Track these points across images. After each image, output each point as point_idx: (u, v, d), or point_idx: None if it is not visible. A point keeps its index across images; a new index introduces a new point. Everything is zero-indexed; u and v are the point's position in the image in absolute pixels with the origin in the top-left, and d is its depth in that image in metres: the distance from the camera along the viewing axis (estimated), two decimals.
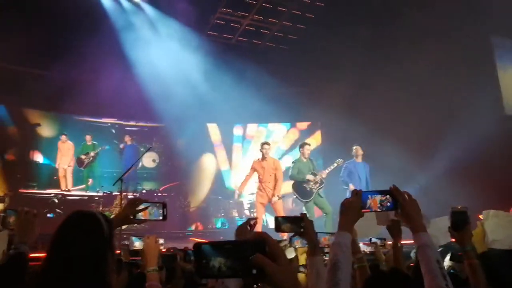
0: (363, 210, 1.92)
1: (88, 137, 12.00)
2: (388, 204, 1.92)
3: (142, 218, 2.30)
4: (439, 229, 3.42)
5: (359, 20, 10.55)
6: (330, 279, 1.73)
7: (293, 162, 9.05)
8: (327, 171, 8.86)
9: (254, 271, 0.98)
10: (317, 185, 8.66)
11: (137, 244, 4.07)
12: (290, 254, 4.31)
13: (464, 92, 9.97)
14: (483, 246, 2.71)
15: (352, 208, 1.90)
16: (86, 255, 1.61)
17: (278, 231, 2.44)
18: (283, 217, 2.44)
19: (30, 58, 10.11)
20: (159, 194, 12.12)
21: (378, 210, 1.92)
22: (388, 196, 1.92)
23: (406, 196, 1.91)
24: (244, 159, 12.84)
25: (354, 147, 9.28)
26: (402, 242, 2.95)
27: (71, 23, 9.81)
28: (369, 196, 1.94)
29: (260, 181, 8.67)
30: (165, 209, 2.33)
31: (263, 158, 8.72)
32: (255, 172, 8.81)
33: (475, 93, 10.03)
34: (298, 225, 2.30)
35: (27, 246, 2.07)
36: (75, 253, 1.60)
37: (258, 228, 8.10)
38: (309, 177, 8.63)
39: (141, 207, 2.28)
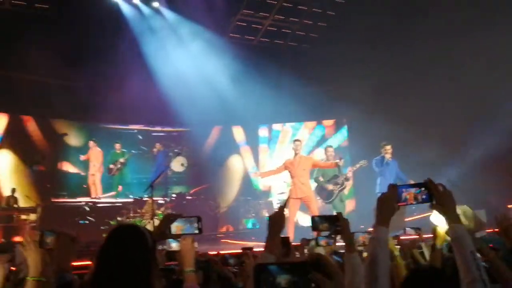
0: (399, 204, 1.93)
1: (117, 146, 12.10)
2: (424, 196, 1.93)
3: (178, 232, 2.31)
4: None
5: (382, 14, 10.41)
6: (368, 274, 1.74)
7: None
8: (349, 173, 8.99)
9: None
10: (338, 186, 8.79)
11: (174, 245, 4.10)
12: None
13: (495, 86, 9.79)
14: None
15: (389, 202, 1.91)
16: (134, 266, 1.68)
17: (315, 230, 2.50)
18: (319, 216, 2.49)
19: (55, 70, 10.23)
20: (189, 197, 12.15)
21: (414, 203, 1.94)
22: (423, 189, 1.93)
23: (441, 188, 1.92)
24: (271, 159, 12.85)
25: (384, 146, 8.89)
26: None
27: (93, 33, 9.97)
28: (404, 189, 1.95)
29: (292, 177, 8.64)
30: (200, 222, 2.32)
31: (295, 154, 8.71)
32: (286, 170, 8.79)
33: (506, 87, 9.86)
34: (334, 223, 2.37)
35: (71, 274, 2.11)
36: (123, 264, 1.67)
37: (290, 226, 8.09)
38: (329, 186, 8.80)
39: (176, 224, 2.31)
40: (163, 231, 2.29)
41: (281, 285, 1.11)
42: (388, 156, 8.64)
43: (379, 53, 10.78)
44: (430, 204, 1.93)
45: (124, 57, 10.06)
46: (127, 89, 10.30)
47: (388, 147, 8.73)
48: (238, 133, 13.13)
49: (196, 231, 2.31)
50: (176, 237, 2.37)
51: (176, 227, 2.30)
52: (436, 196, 1.91)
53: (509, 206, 9.38)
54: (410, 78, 10.66)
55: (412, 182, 2.37)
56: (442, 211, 1.90)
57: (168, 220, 2.31)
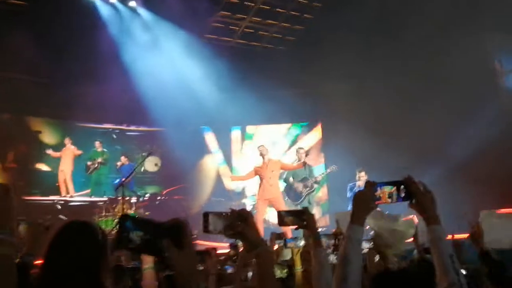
0: (376, 202, 1.86)
1: (97, 144, 11.95)
2: (403, 194, 1.86)
3: None
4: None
5: (358, 18, 10.54)
6: (339, 273, 1.72)
7: None
8: (319, 177, 9.07)
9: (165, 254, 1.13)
10: (307, 189, 8.85)
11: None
12: (286, 255, 4.37)
13: (467, 93, 9.98)
14: (482, 245, 2.73)
15: (365, 200, 1.85)
16: (81, 262, 1.64)
17: (281, 224, 2.47)
18: (285, 211, 2.50)
19: (30, 66, 10.15)
20: (162, 197, 12.10)
21: (389, 201, 1.85)
22: (402, 187, 1.86)
23: (421, 187, 1.85)
24: (243, 160, 12.86)
25: (359, 173, 9.06)
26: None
27: (70, 30, 9.86)
28: (381, 187, 1.88)
29: (261, 179, 8.72)
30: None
31: (262, 159, 8.80)
32: (256, 176, 8.88)
33: (478, 94, 10.07)
34: (300, 218, 2.35)
35: (33, 258, 2.06)
36: (70, 260, 1.63)
37: (260, 224, 8.17)
38: (298, 186, 8.85)
39: None
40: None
41: (133, 240, 1.14)
42: (360, 183, 8.68)
43: (355, 57, 10.90)
44: (409, 203, 1.85)
45: (100, 55, 9.98)
46: (102, 88, 10.30)
47: (363, 174, 8.82)
48: (212, 134, 13.12)
49: None
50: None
51: None
52: (415, 195, 1.83)
53: (484, 211, 9.56)
54: (386, 83, 10.73)
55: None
56: (420, 211, 1.83)
57: None
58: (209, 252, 3.11)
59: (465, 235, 2.95)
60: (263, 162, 8.78)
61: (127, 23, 11.26)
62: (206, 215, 1.63)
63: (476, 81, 10.13)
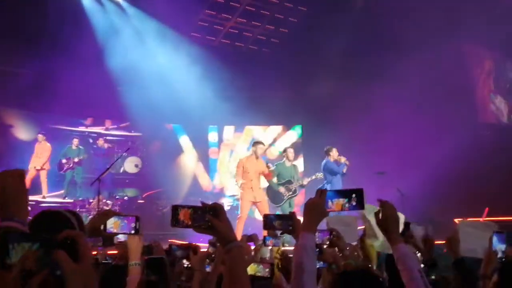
0: (328, 210, 1.89)
1: (75, 141, 11.49)
2: (354, 203, 1.88)
3: (114, 231, 2.24)
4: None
5: (341, 25, 10.61)
6: (294, 282, 1.73)
7: (275, 165, 8.89)
8: (305, 182, 8.76)
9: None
10: (290, 193, 8.59)
11: (121, 236, 4.02)
12: (265, 253, 4.37)
13: (444, 102, 10.14)
14: (457, 253, 2.73)
15: (316, 208, 1.87)
16: None
17: (267, 228, 2.49)
18: (273, 214, 2.50)
19: (2, 55, 9.78)
20: (141, 201, 11.78)
21: (340, 210, 1.89)
22: (353, 195, 1.88)
23: (384, 205, 1.88)
24: (221, 161, 12.76)
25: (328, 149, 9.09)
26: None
27: (48, 20, 9.57)
28: (333, 194, 1.90)
29: (247, 178, 8.30)
30: (138, 222, 2.28)
31: (256, 157, 8.43)
32: (242, 170, 8.42)
33: (454, 103, 10.23)
34: (287, 223, 2.35)
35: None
36: None
37: (240, 226, 8.03)
38: (281, 189, 8.56)
39: (112, 220, 2.23)
40: (96, 228, 2.19)
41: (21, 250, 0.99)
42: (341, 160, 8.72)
43: (338, 61, 10.96)
44: (376, 221, 1.89)
45: (79, 49, 9.59)
46: (79, 82, 10.02)
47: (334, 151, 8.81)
48: (191, 133, 12.85)
49: (133, 231, 2.26)
50: (109, 236, 2.31)
51: (113, 223, 2.22)
52: (378, 216, 1.87)
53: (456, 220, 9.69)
54: (365, 88, 10.78)
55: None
56: (385, 231, 1.87)
57: (104, 216, 2.23)
58: (193, 248, 3.04)
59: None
60: (257, 160, 8.42)
61: (110, 17, 10.99)
62: (175, 208, 1.57)
63: (453, 90, 10.34)
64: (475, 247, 2.74)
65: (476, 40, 10.97)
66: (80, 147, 11.61)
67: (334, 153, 8.90)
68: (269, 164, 8.75)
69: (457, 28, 9.92)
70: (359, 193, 1.88)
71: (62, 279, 0.97)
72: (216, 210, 1.55)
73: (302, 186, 8.80)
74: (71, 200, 11.06)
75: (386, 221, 1.86)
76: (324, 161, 8.96)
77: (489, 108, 12.09)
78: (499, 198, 10.69)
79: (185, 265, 3.63)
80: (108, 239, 3.83)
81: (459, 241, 2.71)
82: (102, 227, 2.23)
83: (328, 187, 8.41)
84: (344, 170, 8.76)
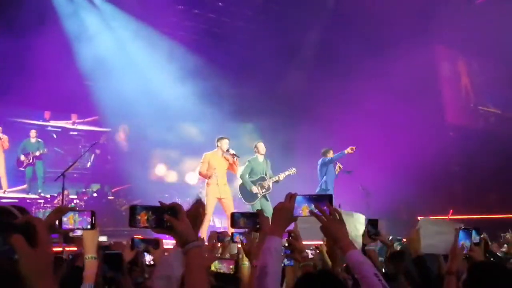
0: (296, 215, 1.87)
1: (32, 133, 10.87)
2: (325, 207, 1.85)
3: (69, 227, 2.17)
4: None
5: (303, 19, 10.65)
6: (258, 284, 1.72)
7: (248, 161, 8.62)
8: (281, 178, 8.53)
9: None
10: (264, 190, 8.43)
11: (79, 232, 3.95)
12: (233, 249, 4.35)
13: (412, 102, 10.33)
14: (417, 250, 2.78)
15: (285, 212, 1.86)
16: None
17: (234, 226, 2.47)
18: (239, 212, 2.50)
19: None
20: (111, 197, 11.56)
21: (308, 215, 1.86)
22: (326, 201, 1.87)
23: (325, 219, 1.82)
24: (182, 158, 12.44)
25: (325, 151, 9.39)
26: None
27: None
28: (303, 200, 1.88)
29: (213, 174, 8.08)
30: (93, 217, 2.22)
31: (221, 152, 8.22)
32: (208, 166, 8.19)
33: (422, 104, 10.45)
34: (254, 221, 2.36)
35: None
36: None
37: (205, 227, 7.90)
38: (254, 189, 8.38)
39: (68, 215, 2.16)
40: (51, 224, 2.06)
41: None
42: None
43: (297, 59, 11.04)
44: (320, 227, 1.85)
45: (44, 38, 9.12)
46: (43, 73, 9.51)
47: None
48: (154, 129, 12.20)
49: (89, 226, 2.20)
50: (64, 232, 2.25)
51: (68, 218, 2.15)
52: (324, 227, 1.82)
53: (419, 217, 9.90)
54: (328, 85, 10.82)
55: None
56: (335, 240, 1.83)
57: (58, 212, 2.12)
58: (157, 241, 3.03)
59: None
60: (222, 156, 8.23)
61: (79, 9, 10.66)
62: (133, 208, 1.55)
63: (422, 91, 10.56)
64: (434, 242, 2.79)
65: (448, 42, 11.23)
66: (39, 140, 11.01)
67: (330, 155, 9.37)
68: (235, 153, 8.25)
69: (430, 28, 10.14)
70: (329, 198, 1.88)
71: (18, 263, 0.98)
72: (175, 210, 1.54)
73: (277, 181, 8.53)
74: (35, 196, 10.70)
75: (329, 230, 1.82)
76: (320, 160, 9.40)
77: (456, 109, 12.40)
78: (461, 197, 11.00)
79: (147, 263, 3.59)
80: (66, 235, 3.74)
81: (420, 239, 2.75)
82: (57, 223, 2.15)
83: (324, 178, 9.15)
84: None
